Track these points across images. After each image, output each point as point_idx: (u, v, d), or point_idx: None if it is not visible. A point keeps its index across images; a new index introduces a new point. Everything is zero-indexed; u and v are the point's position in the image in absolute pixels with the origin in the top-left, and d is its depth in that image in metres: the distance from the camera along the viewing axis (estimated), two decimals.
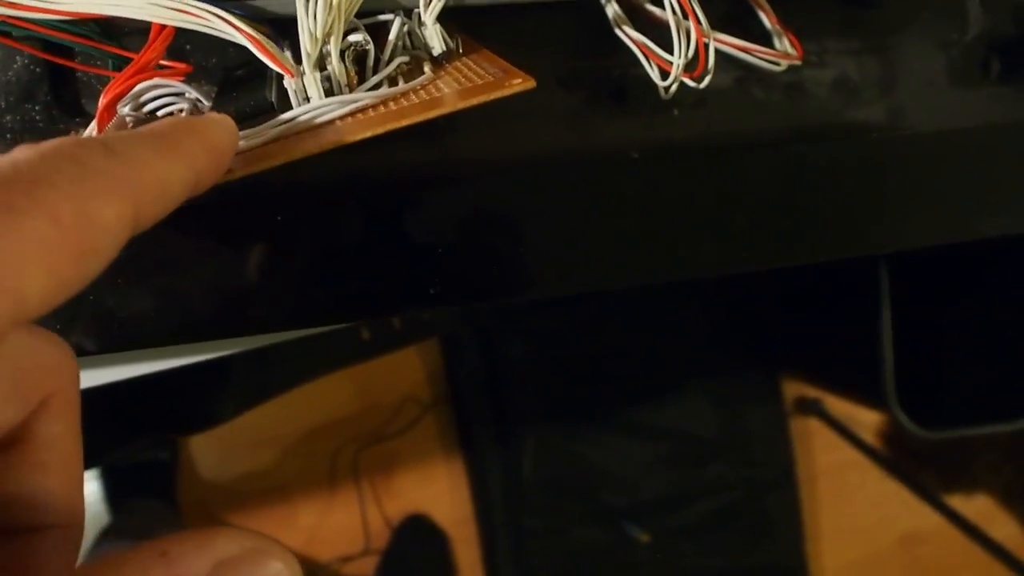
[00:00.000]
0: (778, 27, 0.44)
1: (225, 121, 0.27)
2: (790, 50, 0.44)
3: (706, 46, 0.35)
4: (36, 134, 0.40)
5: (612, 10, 0.39)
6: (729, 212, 0.41)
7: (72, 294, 0.21)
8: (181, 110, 0.33)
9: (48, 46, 0.33)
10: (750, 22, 0.44)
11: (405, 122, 0.29)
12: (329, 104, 0.31)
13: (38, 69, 0.40)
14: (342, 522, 1.38)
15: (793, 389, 1.45)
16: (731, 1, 0.43)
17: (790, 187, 0.42)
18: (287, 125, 0.30)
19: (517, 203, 0.41)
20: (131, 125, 0.32)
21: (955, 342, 1.18)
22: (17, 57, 0.39)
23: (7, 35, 0.32)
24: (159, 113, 0.34)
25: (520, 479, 1.39)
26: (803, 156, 0.42)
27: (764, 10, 0.45)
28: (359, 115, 0.31)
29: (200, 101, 0.33)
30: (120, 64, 0.34)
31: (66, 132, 0.40)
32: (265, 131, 0.30)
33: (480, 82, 0.31)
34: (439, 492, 1.42)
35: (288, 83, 0.31)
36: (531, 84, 0.31)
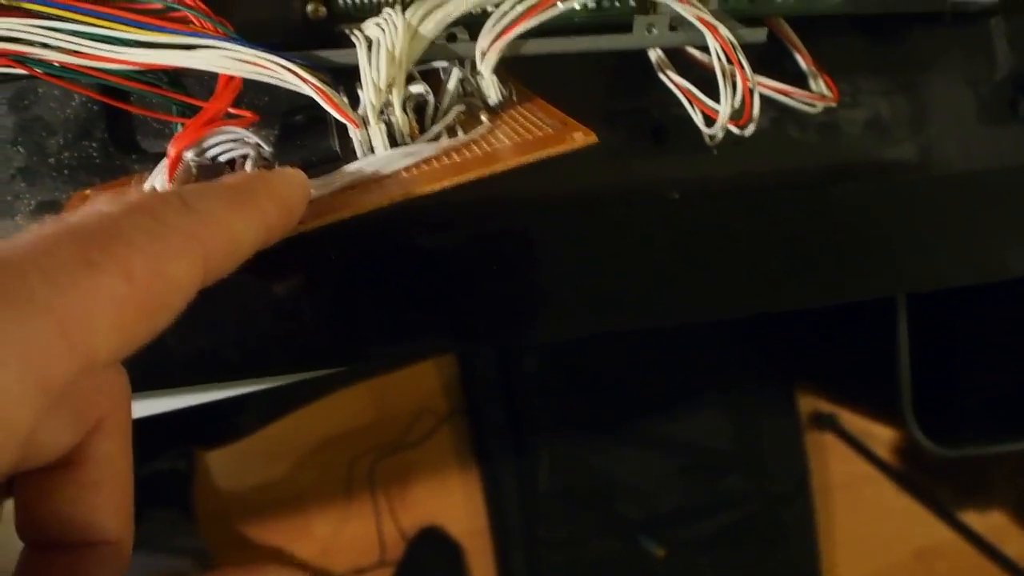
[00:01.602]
0: (813, 68, 0.45)
1: (298, 177, 0.28)
2: (826, 92, 0.45)
3: (751, 95, 0.36)
4: (93, 171, 0.41)
5: (655, 54, 0.40)
6: (766, 252, 0.42)
7: (140, 346, 0.22)
8: (244, 156, 0.34)
9: (107, 89, 0.34)
10: (785, 61, 0.45)
11: (468, 177, 0.30)
12: (394, 155, 0.32)
13: (95, 107, 0.41)
14: (357, 533, 1.38)
15: (808, 403, 1.46)
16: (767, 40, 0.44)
17: (826, 227, 0.43)
18: (353, 176, 0.31)
19: (556, 240, 0.42)
20: (195, 171, 0.34)
21: (972, 358, 1.18)
22: (75, 94, 0.40)
23: (75, 82, 0.33)
24: (221, 158, 0.35)
25: (535, 491, 1.39)
26: (838, 196, 0.43)
27: (799, 51, 0.46)
28: (423, 166, 0.32)
29: (261, 146, 0.34)
30: (183, 109, 0.35)
31: (123, 169, 0.41)
32: (332, 182, 0.31)
33: (540, 134, 0.32)
34: (454, 504, 1.43)
35: (353, 133, 0.32)
36: (592, 139, 0.32)
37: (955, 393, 1.20)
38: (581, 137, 0.30)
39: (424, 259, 0.40)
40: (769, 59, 0.44)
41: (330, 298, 0.39)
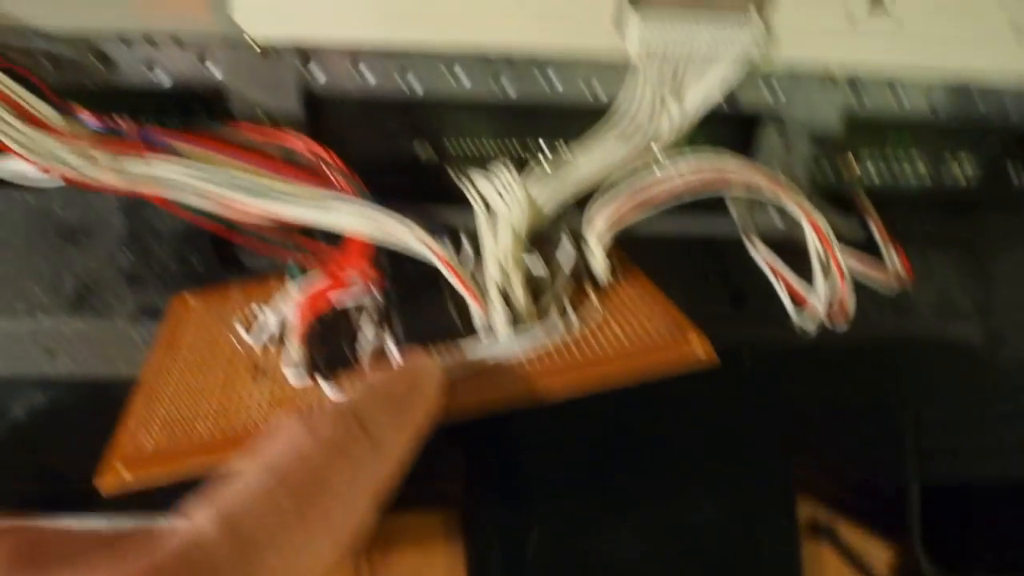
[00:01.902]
0: (889, 244, 0.47)
1: (438, 375, 0.29)
2: (898, 265, 0.46)
3: (847, 291, 0.38)
4: (194, 281, 0.42)
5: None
6: (835, 423, 0.43)
7: None
8: (360, 307, 0.36)
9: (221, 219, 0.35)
10: (859, 229, 0.47)
11: (586, 389, 0.31)
12: (515, 344, 0.33)
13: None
14: None
15: (808, 511, 1.46)
16: (839, 205, 0.45)
17: (893, 404, 0.45)
18: (478, 367, 0.32)
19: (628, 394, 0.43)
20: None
21: (985, 484, 1.18)
22: None
23: (213, 222, 0.34)
24: (336, 304, 0.36)
25: (522, 566, 1.38)
26: (905, 368, 0.44)
27: (874, 220, 0.47)
28: (543, 360, 0.33)
29: (377, 300, 0.36)
30: (301, 248, 0.36)
31: (223, 281, 0.42)
32: (457, 371, 0.32)
33: (660, 342, 0.33)
34: (437, 572, 1.42)
35: (474, 311, 0.33)
36: (714, 360, 0.31)
37: (965, 519, 1.20)
38: (703, 358, 0.31)
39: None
40: (842, 223, 0.46)
41: None
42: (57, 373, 0.40)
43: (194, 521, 0.20)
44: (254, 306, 0.38)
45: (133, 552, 0.18)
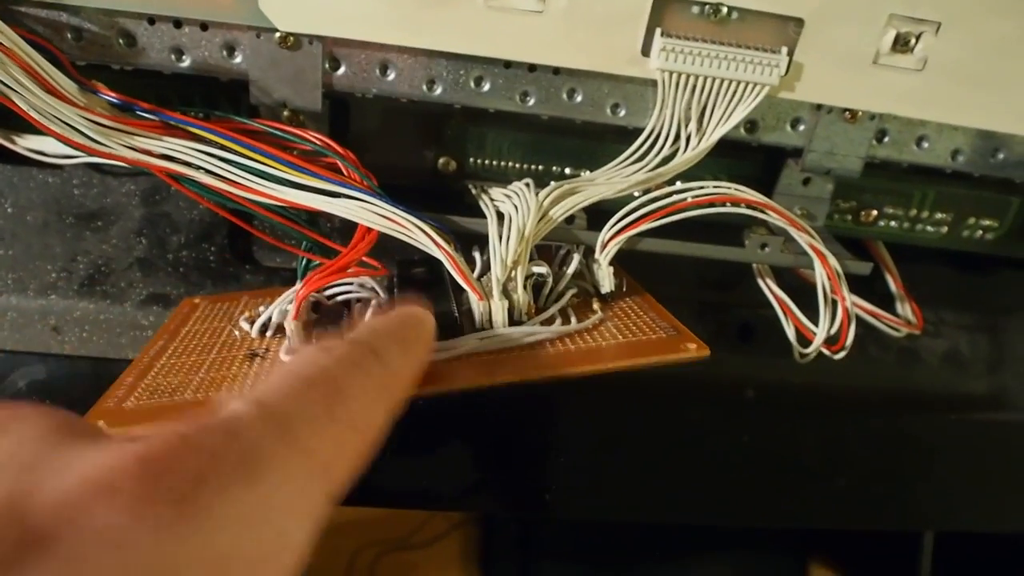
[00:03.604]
0: (902, 292, 0.47)
1: (431, 319, 0.30)
2: (911, 318, 0.46)
3: (849, 325, 0.38)
4: (206, 274, 0.43)
5: (757, 264, 0.42)
6: (831, 469, 0.43)
7: None
8: (360, 299, 0.36)
9: (235, 210, 0.35)
10: (875, 280, 0.46)
11: (575, 371, 0.31)
12: (512, 335, 0.33)
13: (220, 215, 0.43)
14: None
15: (818, 574, 1.43)
16: (852, 247, 0.45)
17: (894, 454, 0.44)
18: (473, 348, 0.33)
19: (629, 423, 0.43)
20: (314, 308, 0.35)
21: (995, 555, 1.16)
22: None
23: (219, 205, 0.34)
24: (339, 297, 0.36)
25: None
26: (910, 427, 0.44)
27: (891, 273, 0.47)
28: (535, 349, 0.33)
29: (379, 293, 0.36)
30: (312, 246, 0.36)
31: (235, 277, 0.43)
32: (452, 349, 0.32)
33: (652, 337, 0.33)
34: None
35: (475, 304, 0.34)
36: (705, 352, 0.33)
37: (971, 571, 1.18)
38: (694, 349, 0.31)
39: (477, 426, 0.41)
40: (860, 276, 0.46)
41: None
42: (62, 352, 0.41)
43: (228, 405, 0.20)
44: (260, 307, 0.38)
45: (174, 424, 0.19)
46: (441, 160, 0.41)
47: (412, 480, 0.40)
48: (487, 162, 0.42)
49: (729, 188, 0.36)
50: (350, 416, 0.22)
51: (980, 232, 0.46)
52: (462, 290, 0.34)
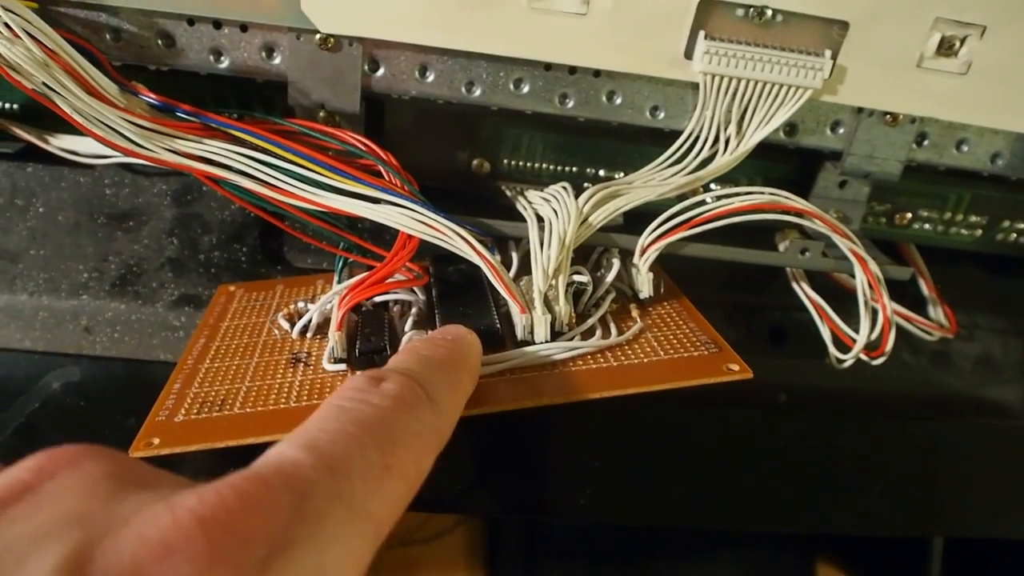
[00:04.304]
0: (935, 295, 0.47)
1: (479, 349, 0.30)
2: (944, 322, 0.46)
3: (890, 331, 0.37)
4: (238, 274, 0.42)
5: (791, 268, 0.41)
6: (862, 474, 0.43)
7: None
8: (400, 303, 0.36)
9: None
10: (908, 284, 0.46)
11: (618, 392, 0.31)
12: (555, 350, 0.33)
13: (251, 215, 0.42)
14: None
15: (826, 573, 1.43)
16: (886, 250, 0.45)
17: (925, 459, 0.44)
18: (516, 364, 0.32)
19: (655, 427, 0.42)
20: (353, 310, 0.35)
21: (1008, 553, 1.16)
22: None
23: (259, 208, 0.34)
24: (377, 299, 0.36)
25: None
26: (943, 431, 0.44)
27: (923, 276, 0.47)
28: (577, 363, 0.33)
29: (420, 298, 0.36)
30: (349, 247, 0.36)
31: (265, 276, 0.42)
32: (496, 365, 0.32)
33: (695, 354, 0.33)
34: None
35: (516, 316, 0.33)
36: (748, 375, 0.32)
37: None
38: (737, 371, 0.31)
39: (486, 428, 0.41)
40: (893, 279, 0.45)
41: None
42: (94, 352, 0.40)
43: (278, 451, 0.20)
44: (299, 302, 0.37)
45: (231, 475, 0.18)
46: (475, 161, 0.41)
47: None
48: (521, 164, 0.41)
49: (772, 194, 0.36)
50: (403, 467, 0.22)
51: (1015, 235, 0.46)
52: (501, 296, 0.34)
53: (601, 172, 0.42)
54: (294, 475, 0.19)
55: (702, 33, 0.34)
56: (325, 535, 0.18)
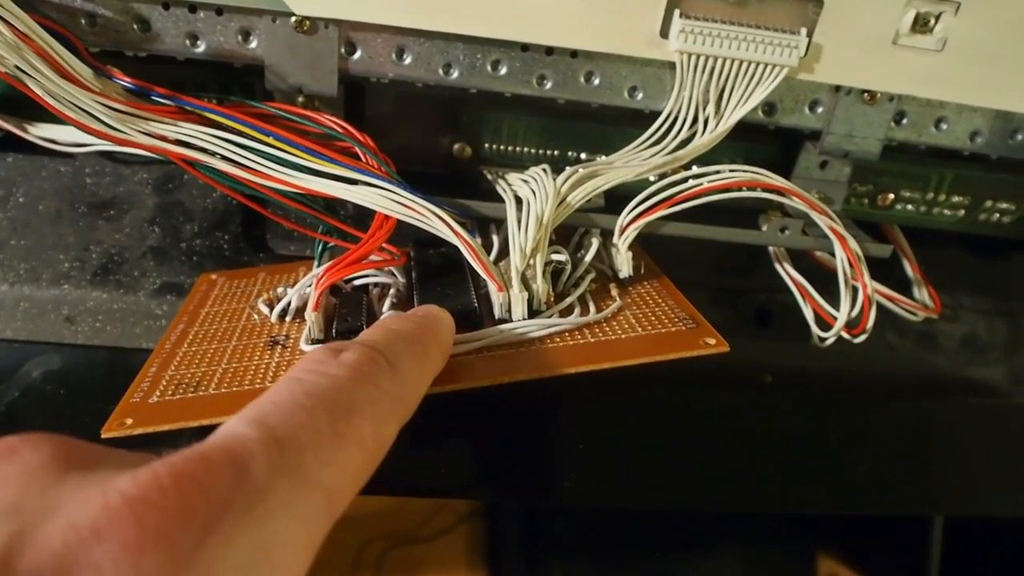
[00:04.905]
0: (919, 276, 0.47)
1: (451, 324, 0.30)
2: (928, 303, 0.46)
3: (870, 308, 0.37)
4: (220, 261, 0.42)
5: (774, 248, 0.41)
6: (850, 454, 0.43)
7: None
8: (379, 285, 0.36)
9: (250, 196, 0.35)
10: (892, 265, 0.46)
11: (594, 366, 0.31)
12: (532, 327, 0.33)
13: (233, 202, 0.42)
14: None
15: (828, 567, 1.43)
16: (870, 230, 0.45)
17: (912, 438, 0.44)
18: (493, 342, 0.32)
19: (643, 409, 0.42)
20: (332, 292, 0.35)
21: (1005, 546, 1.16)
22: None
23: (236, 191, 0.34)
24: (356, 282, 0.36)
25: None
26: (929, 411, 0.44)
27: (908, 258, 0.47)
28: (555, 340, 0.33)
29: (398, 279, 0.36)
30: (328, 230, 0.36)
31: (248, 264, 0.42)
32: (472, 342, 0.32)
33: (671, 330, 0.33)
34: None
35: (494, 295, 0.33)
36: (724, 348, 0.32)
37: (985, 558, 1.17)
38: (714, 344, 0.31)
39: (493, 415, 0.41)
40: (877, 260, 0.45)
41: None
42: (76, 342, 0.40)
43: (227, 426, 0.20)
44: (279, 288, 0.37)
45: (175, 453, 0.18)
46: (456, 146, 0.41)
47: (418, 469, 0.40)
48: (503, 147, 0.41)
49: (752, 172, 0.36)
50: (359, 435, 0.21)
51: (997, 215, 0.46)
52: (480, 278, 0.34)
53: (583, 155, 0.42)
54: (237, 450, 0.18)
55: (677, 12, 0.34)
56: (268, 508, 0.18)
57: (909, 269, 0.46)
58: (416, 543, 1.38)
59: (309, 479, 0.19)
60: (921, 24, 0.35)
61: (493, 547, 1.38)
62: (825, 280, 0.40)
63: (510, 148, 0.41)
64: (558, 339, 0.32)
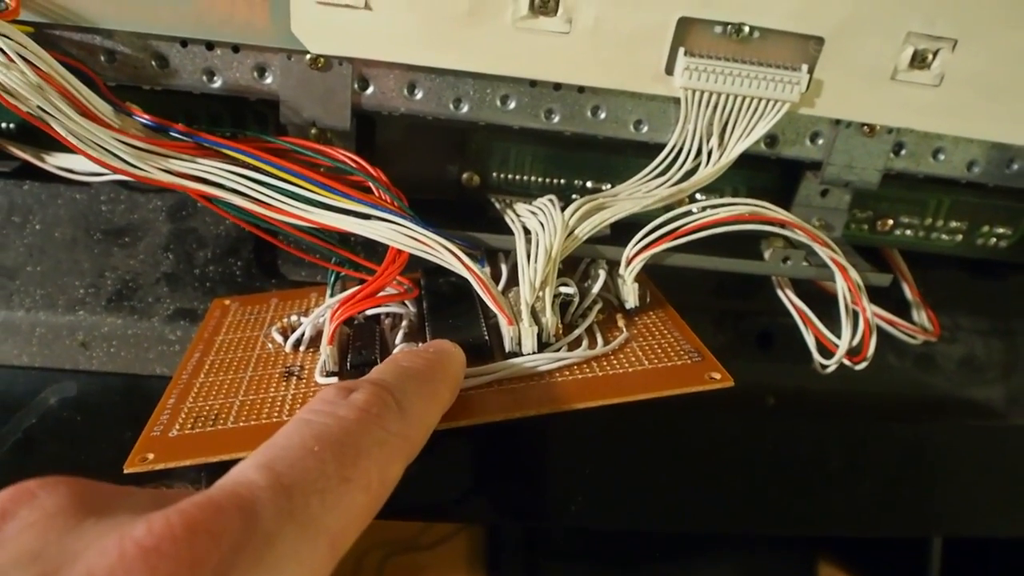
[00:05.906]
0: (918, 299, 0.47)
1: (462, 360, 0.31)
2: (928, 326, 0.47)
3: (871, 336, 0.38)
4: (233, 287, 0.43)
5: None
6: (851, 476, 0.43)
7: None
8: (391, 315, 0.37)
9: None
10: (891, 288, 0.47)
11: (602, 402, 0.32)
12: (542, 361, 0.34)
13: (246, 230, 0.43)
14: None
15: (828, 573, 1.43)
16: (869, 255, 0.45)
17: (912, 460, 0.45)
18: (504, 375, 0.33)
19: (646, 431, 0.43)
20: (346, 323, 0.36)
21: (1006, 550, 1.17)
22: None
23: (253, 225, 0.35)
24: (368, 312, 0.37)
25: None
26: (928, 432, 0.45)
27: (907, 282, 0.48)
28: (564, 374, 0.33)
29: (411, 310, 0.37)
30: (341, 260, 0.37)
31: (260, 290, 0.43)
32: (484, 376, 0.33)
33: (677, 364, 0.34)
34: None
35: (504, 327, 0.34)
36: (729, 383, 0.33)
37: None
38: (718, 379, 0.32)
39: (501, 439, 0.41)
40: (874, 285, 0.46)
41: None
42: (91, 368, 0.41)
43: (238, 470, 0.21)
44: (292, 315, 0.38)
45: (185, 497, 0.19)
46: (465, 174, 0.42)
47: (415, 491, 0.41)
48: (510, 176, 0.42)
49: (754, 206, 0.37)
50: (365, 479, 0.22)
51: (994, 240, 0.46)
52: (490, 309, 0.34)
53: (588, 184, 0.43)
54: (246, 496, 0.19)
55: (682, 50, 0.35)
56: (276, 555, 0.19)
57: (908, 292, 0.47)
58: (416, 550, 1.39)
59: (315, 524, 0.20)
60: (919, 60, 0.36)
61: (493, 554, 1.39)
62: (827, 302, 0.41)
63: (517, 177, 0.42)
64: (567, 372, 0.33)
